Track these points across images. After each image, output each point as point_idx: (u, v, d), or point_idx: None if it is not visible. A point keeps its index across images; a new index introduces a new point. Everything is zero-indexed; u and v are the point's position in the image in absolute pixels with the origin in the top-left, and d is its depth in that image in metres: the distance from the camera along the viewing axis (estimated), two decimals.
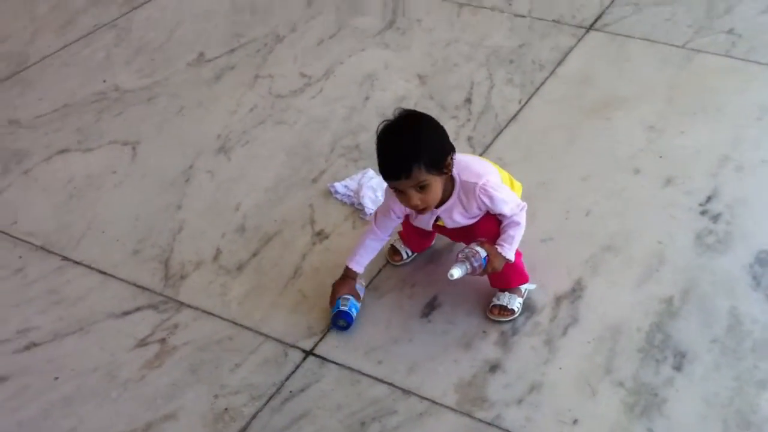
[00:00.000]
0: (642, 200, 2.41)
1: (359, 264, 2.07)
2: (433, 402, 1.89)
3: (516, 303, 2.06)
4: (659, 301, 2.09)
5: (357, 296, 2.07)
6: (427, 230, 2.12)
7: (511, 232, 1.96)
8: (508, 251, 1.95)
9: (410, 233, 2.18)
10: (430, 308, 2.11)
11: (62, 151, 2.73)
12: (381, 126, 1.89)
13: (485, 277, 2.05)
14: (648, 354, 1.96)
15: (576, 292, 2.13)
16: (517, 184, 2.13)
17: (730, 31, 3.19)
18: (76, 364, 2.01)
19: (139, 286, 2.21)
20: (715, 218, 2.33)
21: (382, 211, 2.06)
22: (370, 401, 1.90)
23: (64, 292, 2.20)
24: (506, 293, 2.07)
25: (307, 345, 2.03)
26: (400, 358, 1.99)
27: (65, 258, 2.31)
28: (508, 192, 1.98)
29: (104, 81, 3.07)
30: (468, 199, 1.94)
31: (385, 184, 2.37)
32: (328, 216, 2.41)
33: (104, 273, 2.26)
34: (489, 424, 1.84)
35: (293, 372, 1.97)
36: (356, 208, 2.42)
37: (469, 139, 2.67)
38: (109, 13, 3.52)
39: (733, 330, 2.01)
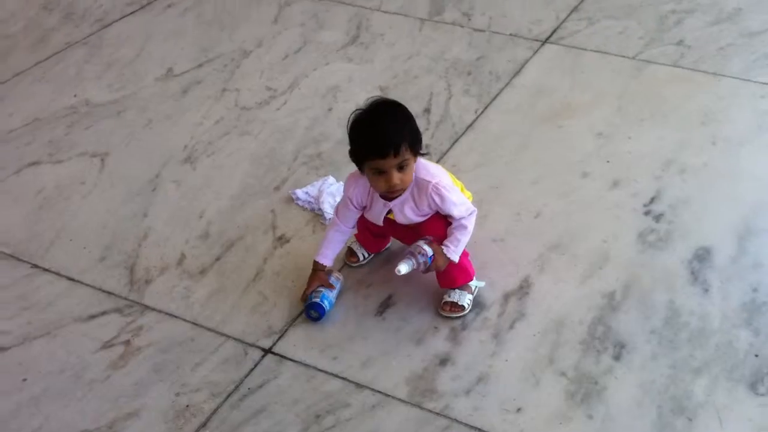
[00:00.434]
0: (589, 202, 2.52)
1: (326, 257, 2.17)
2: (385, 395, 1.98)
3: (466, 299, 2.16)
4: (602, 295, 2.20)
5: (330, 287, 2.16)
6: (380, 231, 2.22)
7: (457, 234, 2.07)
8: (453, 253, 2.05)
9: (366, 234, 2.28)
10: (384, 307, 2.21)
11: (33, 164, 2.81)
12: (357, 113, 1.99)
13: (435, 280, 2.16)
14: (589, 345, 2.07)
15: (523, 288, 2.23)
16: (467, 194, 2.22)
17: (680, 43, 3.32)
18: (44, 366, 2.09)
19: (105, 291, 2.30)
20: (658, 218, 2.44)
21: (342, 203, 2.16)
22: (325, 395, 1.99)
23: (33, 298, 2.28)
24: (456, 290, 2.17)
25: (267, 344, 2.12)
26: (354, 355, 2.08)
27: (35, 265, 2.39)
28: (459, 195, 2.08)
29: (75, 96, 3.16)
30: (420, 195, 2.04)
31: (342, 189, 2.48)
32: (290, 221, 2.51)
33: (72, 279, 2.34)
34: (438, 414, 1.93)
35: (252, 369, 2.06)
36: (316, 214, 2.52)
37: (427, 146, 2.77)
38: (80, 31, 3.61)
39: (670, 322, 2.12)
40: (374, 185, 2.02)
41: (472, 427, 1.90)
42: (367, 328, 2.15)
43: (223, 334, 2.15)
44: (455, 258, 2.06)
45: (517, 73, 3.20)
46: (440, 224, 2.10)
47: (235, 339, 2.14)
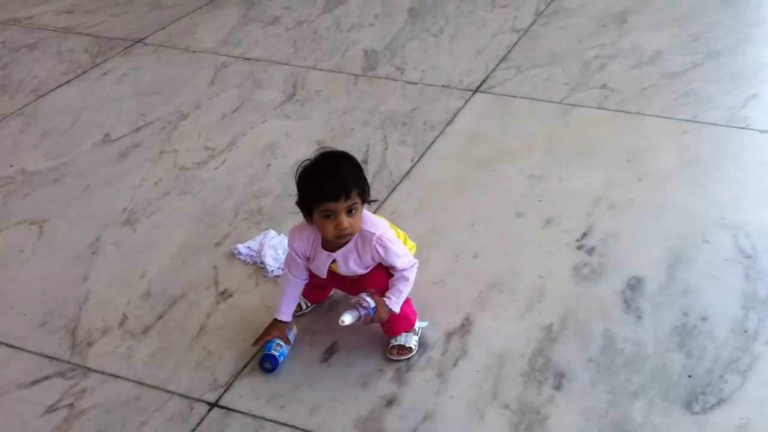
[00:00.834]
0: (524, 240, 2.59)
1: (285, 314, 2.20)
2: None
3: (412, 341, 2.20)
4: (540, 328, 2.25)
5: (287, 340, 2.19)
6: (322, 282, 2.25)
7: (400, 286, 2.11)
8: (395, 304, 2.10)
9: (307, 286, 2.31)
10: (329, 353, 2.23)
11: None
12: (306, 162, 2.04)
13: (378, 325, 2.20)
14: (531, 377, 2.11)
15: (465, 327, 2.28)
16: (411, 244, 2.28)
17: (603, 86, 3.46)
18: None
19: (46, 356, 2.28)
20: (590, 251, 2.52)
21: (289, 257, 2.19)
22: None
23: None
24: (402, 334, 2.20)
25: (212, 397, 2.12)
26: (301, 402, 2.09)
27: None
28: (401, 247, 2.14)
29: (11, 166, 3.16)
30: (364, 247, 2.08)
31: (285, 242, 2.52)
32: (232, 276, 2.53)
33: (12, 346, 2.32)
34: None
35: (198, 424, 2.05)
36: (259, 267, 2.54)
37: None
38: (15, 102, 3.62)
39: (606, 349, 2.18)
40: (323, 231, 2.04)
41: None
42: (313, 376, 2.17)
43: (168, 391, 2.15)
44: (396, 309, 2.10)
45: (450, 121, 3.29)
46: (382, 276, 2.14)
47: (180, 395, 2.13)
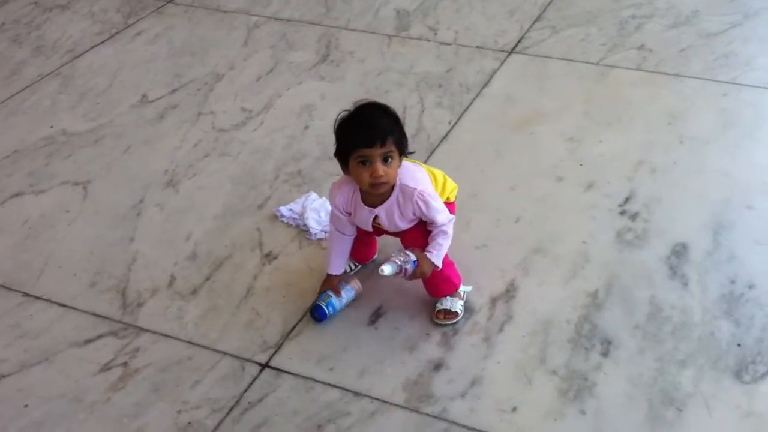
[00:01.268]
0: (565, 205, 2.60)
1: (336, 267, 2.25)
2: (383, 401, 2.03)
3: (458, 305, 2.22)
4: (585, 295, 2.27)
5: (337, 292, 2.23)
6: (368, 239, 2.30)
7: (439, 240, 2.12)
8: (437, 258, 2.11)
9: (354, 244, 2.33)
10: (375, 317, 2.26)
11: (16, 195, 2.82)
12: (344, 112, 2.05)
13: (423, 287, 2.22)
14: (577, 343, 2.13)
15: (510, 292, 2.30)
16: (453, 184, 2.27)
17: (641, 47, 3.43)
18: (44, 391, 2.10)
19: (98, 316, 2.32)
20: (633, 217, 2.53)
21: (332, 214, 2.21)
22: (325, 405, 2.03)
23: (27, 326, 2.30)
24: (448, 298, 2.22)
25: (263, 358, 2.16)
26: (349, 364, 2.13)
27: (26, 294, 2.40)
28: (441, 203, 2.15)
29: (51, 126, 3.18)
30: (405, 202, 2.09)
31: (328, 205, 2.54)
32: (276, 238, 2.55)
33: (64, 305, 2.36)
34: (436, 417, 1.98)
35: (251, 384, 2.09)
36: (301, 230, 2.57)
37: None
38: (51, 63, 3.63)
39: (653, 317, 2.20)
40: (359, 179, 2.04)
41: (470, 428, 1.95)
42: (360, 338, 2.20)
43: (219, 351, 2.19)
44: (439, 263, 2.11)
45: (486, 83, 3.28)
46: (420, 233, 2.16)
47: (232, 355, 2.17)
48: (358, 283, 2.29)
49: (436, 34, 3.65)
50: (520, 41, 3.55)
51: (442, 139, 2.96)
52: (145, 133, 3.11)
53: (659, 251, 2.39)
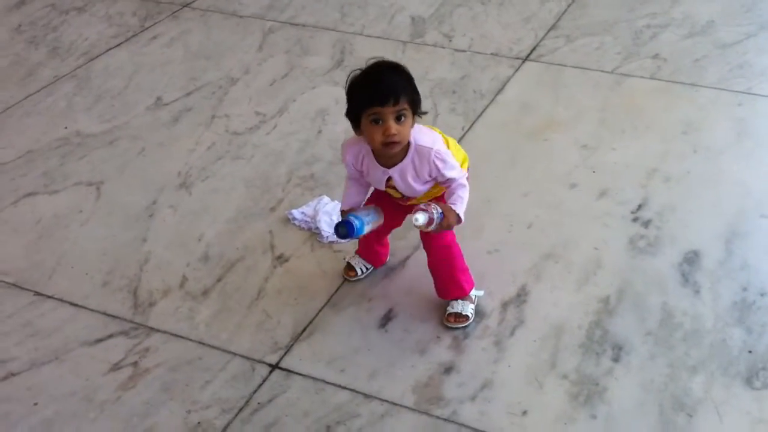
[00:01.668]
0: (578, 211, 2.59)
1: (349, 204, 2.19)
2: (393, 404, 2.02)
3: (469, 309, 2.22)
4: (597, 300, 2.26)
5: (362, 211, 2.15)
6: (382, 241, 2.33)
7: (459, 192, 2.06)
8: (460, 209, 2.04)
9: (368, 245, 2.33)
10: (386, 319, 2.26)
11: (29, 194, 2.84)
12: (357, 71, 2.01)
13: (433, 290, 2.21)
14: (589, 348, 2.13)
15: (521, 297, 2.29)
16: (463, 153, 2.23)
17: (656, 56, 3.43)
18: (54, 389, 2.11)
19: (109, 315, 2.33)
20: (646, 224, 2.52)
21: (347, 170, 2.17)
22: (335, 407, 2.03)
23: (39, 325, 2.30)
24: (459, 301, 2.22)
25: (273, 359, 2.16)
26: (360, 366, 2.12)
27: (38, 293, 2.41)
28: (454, 159, 2.10)
29: (66, 127, 3.20)
30: (422, 162, 2.04)
31: (338, 208, 2.54)
32: (288, 241, 2.56)
33: (75, 305, 2.37)
34: (446, 420, 1.98)
35: (261, 385, 2.09)
36: (313, 233, 2.57)
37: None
38: (67, 64, 3.66)
39: (665, 323, 2.19)
40: (371, 139, 2.00)
41: (480, 431, 1.94)
42: (371, 340, 2.20)
43: (229, 352, 2.19)
44: (463, 214, 2.05)
45: (500, 90, 3.28)
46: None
47: (242, 356, 2.18)
48: (376, 211, 2.18)
49: (450, 41, 3.66)
50: (534, 49, 3.55)
51: None
52: (160, 136, 3.12)
53: (671, 258, 2.38)
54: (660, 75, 3.30)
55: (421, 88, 3.27)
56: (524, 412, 1.98)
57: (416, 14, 3.90)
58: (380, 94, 1.93)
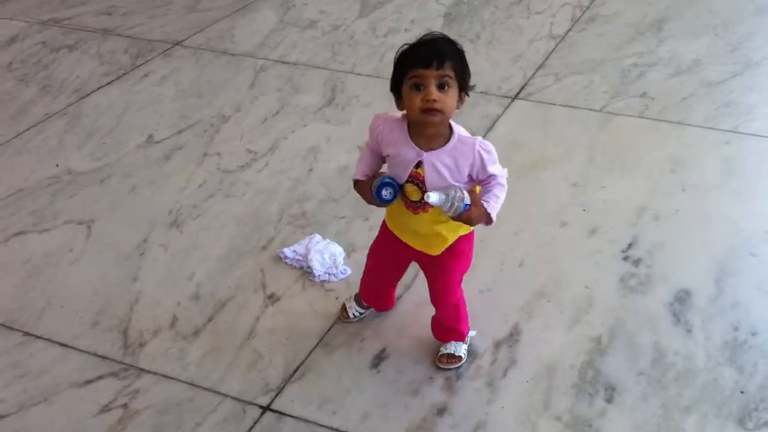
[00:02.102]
0: (569, 250, 2.60)
1: (362, 173, 2.00)
2: None
3: (462, 350, 2.21)
4: (589, 340, 2.26)
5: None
6: (387, 290, 2.28)
7: (496, 191, 1.91)
8: (492, 208, 1.89)
9: (372, 291, 2.29)
10: (378, 360, 2.25)
11: (19, 233, 2.83)
12: (405, 45, 1.87)
13: (427, 330, 2.21)
14: (581, 389, 2.12)
15: (513, 336, 2.29)
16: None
17: (643, 95, 3.46)
18: None
19: (99, 356, 2.31)
20: (636, 263, 2.53)
21: (370, 137, 1.99)
22: None
23: (28, 366, 2.28)
24: (452, 342, 2.21)
25: (264, 401, 2.15)
26: (352, 408, 2.11)
27: (27, 333, 2.39)
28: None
29: (57, 165, 3.20)
30: (464, 152, 1.87)
31: (332, 248, 2.55)
32: (279, 280, 2.55)
33: (65, 345, 2.35)
34: None
35: (252, 427, 2.08)
36: (305, 271, 2.56)
37: None
38: (58, 102, 3.66)
39: (657, 362, 2.19)
40: (410, 105, 1.82)
41: None
42: (363, 381, 2.18)
43: (220, 393, 2.17)
44: (493, 213, 1.89)
45: (490, 128, 3.30)
46: (463, 260, 2.09)
47: (233, 398, 2.16)
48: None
49: None
50: (523, 87, 3.59)
51: None
52: (151, 173, 3.12)
53: (663, 297, 2.39)
54: (648, 113, 3.33)
55: None
56: None
57: None
58: (424, 55, 1.79)
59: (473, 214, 1.86)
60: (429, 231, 1.99)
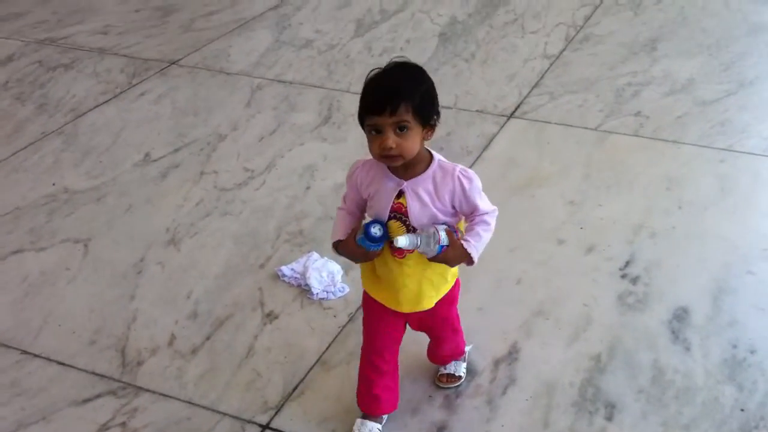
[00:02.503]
0: (566, 268, 2.61)
1: (345, 233, 1.87)
2: None
3: (461, 369, 2.20)
4: (588, 358, 2.26)
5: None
6: (389, 366, 2.01)
7: (479, 229, 1.80)
8: (473, 248, 1.79)
9: (372, 386, 2.03)
10: None
11: (16, 252, 2.82)
12: (373, 72, 1.75)
13: (423, 350, 2.17)
14: (581, 407, 2.12)
15: (512, 354, 2.29)
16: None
17: (638, 114, 3.49)
18: None
19: (97, 374, 2.30)
20: (634, 280, 2.53)
21: (346, 194, 1.93)
22: None
23: (25, 384, 2.27)
24: (452, 362, 2.20)
25: (263, 419, 2.14)
26: (352, 426, 2.10)
27: (24, 351, 2.38)
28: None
29: (53, 184, 3.19)
30: (444, 179, 1.78)
31: (330, 265, 2.54)
32: (277, 298, 2.55)
33: (63, 364, 2.34)
34: None
35: None
36: (303, 289, 2.56)
37: None
38: (55, 121, 3.66)
39: (657, 380, 2.19)
40: (370, 149, 1.74)
41: None
42: None
43: (219, 412, 2.16)
44: (474, 253, 1.79)
45: (486, 146, 3.32)
46: (452, 311, 2.02)
47: (232, 416, 2.15)
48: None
49: None
50: (519, 106, 3.61)
51: None
52: (148, 192, 3.12)
53: (661, 315, 2.40)
54: (642, 132, 3.35)
55: None
56: None
57: None
58: (377, 101, 1.68)
59: (449, 254, 1.77)
60: (419, 277, 1.86)
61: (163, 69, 4.10)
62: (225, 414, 2.16)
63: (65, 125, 3.62)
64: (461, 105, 3.63)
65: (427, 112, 1.73)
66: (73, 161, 3.35)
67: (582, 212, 2.87)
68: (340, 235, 1.88)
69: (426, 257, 1.78)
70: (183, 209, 3.01)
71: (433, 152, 1.82)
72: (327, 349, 2.34)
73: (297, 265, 2.65)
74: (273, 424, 2.12)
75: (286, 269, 2.63)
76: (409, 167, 1.78)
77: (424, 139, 1.76)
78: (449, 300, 2.00)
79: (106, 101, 3.81)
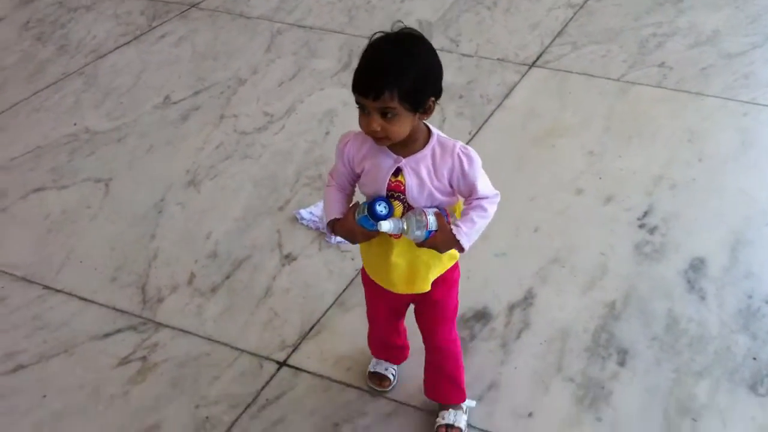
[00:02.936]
0: (584, 217, 2.61)
1: (337, 211, 1.76)
2: (400, 403, 2.04)
3: (462, 420, 1.94)
4: (603, 305, 2.28)
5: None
6: (394, 339, 2.03)
7: (474, 215, 1.67)
8: (465, 235, 1.65)
9: (381, 344, 2.06)
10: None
11: (38, 189, 2.85)
12: (375, 36, 1.63)
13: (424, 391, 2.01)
14: (594, 352, 2.14)
15: (527, 300, 2.31)
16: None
17: (662, 65, 3.45)
18: (63, 383, 2.12)
19: (118, 310, 2.34)
20: (652, 231, 2.54)
21: (334, 170, 1.79)
22: (341, 405, 2.04)
23: (47, 318, 2.32)
24: (450, 410, 1.95)
25: (281, 357, 2.18)
26: (367, 366, 2.13)
27: (46, 287, 2.43)
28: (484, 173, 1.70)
29: (75, 124, 3.21)
30: (443, 156, 1.64)
31: None
32: (295, 240, 2.57)
33: (84, 299, 2.38)
34: None
35: (268, 381, 2.11)
36: (321, 232, 2.58)
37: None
38: (75, 62, 3.67)
39: (671, 329, 2.20)
40: (359, 122, 1.62)
41: (486, 431, 1.96)
42: None
43: (237, 349, 2.20)
44: (464, 241, 1.65)
45: (507, 95, 3.30)
46: (453, 296, 1.86)
47: (250, 353, 2.19)
48: None
49: (457, 45, 3.68)
50: (541, 55, 3.57)
51: None
52: (168, 134, 3.14)
53: (677, 265, 2.40)
54: (666, 83, 3.32)
55: None
56: (530, 414, 2.00)
57: (423, 18, 3.92)
58: (362, 85, 1.56)
59: (438, 239, 1.64)
60: (411, 257, 1.73)
61: (183, 12, 4.08)
62: (243, 351, 2.20)
63: (86, 66, 3.63)
64: (483, 53, 3.60)
65: (417, 97, 1.58)
66: (93, 102, 3.36)
67: (602, 163, 2.87)
68: (336, 214, 1.75)
69: (414, 243, 1.67)
70: (203, 152, 3.02)
71: (431, 127, 1.70)
72: (344, 290, 2.37)
73: (316, 209, 2.66)
74: (290, 362, 2.16)
75: (304, 212, 2.65)
76: (407, 143, 1.65)
77: (419, 119, 1.63)
78: (447, 283, 1.83)
79: (127, 43, 3.81)
